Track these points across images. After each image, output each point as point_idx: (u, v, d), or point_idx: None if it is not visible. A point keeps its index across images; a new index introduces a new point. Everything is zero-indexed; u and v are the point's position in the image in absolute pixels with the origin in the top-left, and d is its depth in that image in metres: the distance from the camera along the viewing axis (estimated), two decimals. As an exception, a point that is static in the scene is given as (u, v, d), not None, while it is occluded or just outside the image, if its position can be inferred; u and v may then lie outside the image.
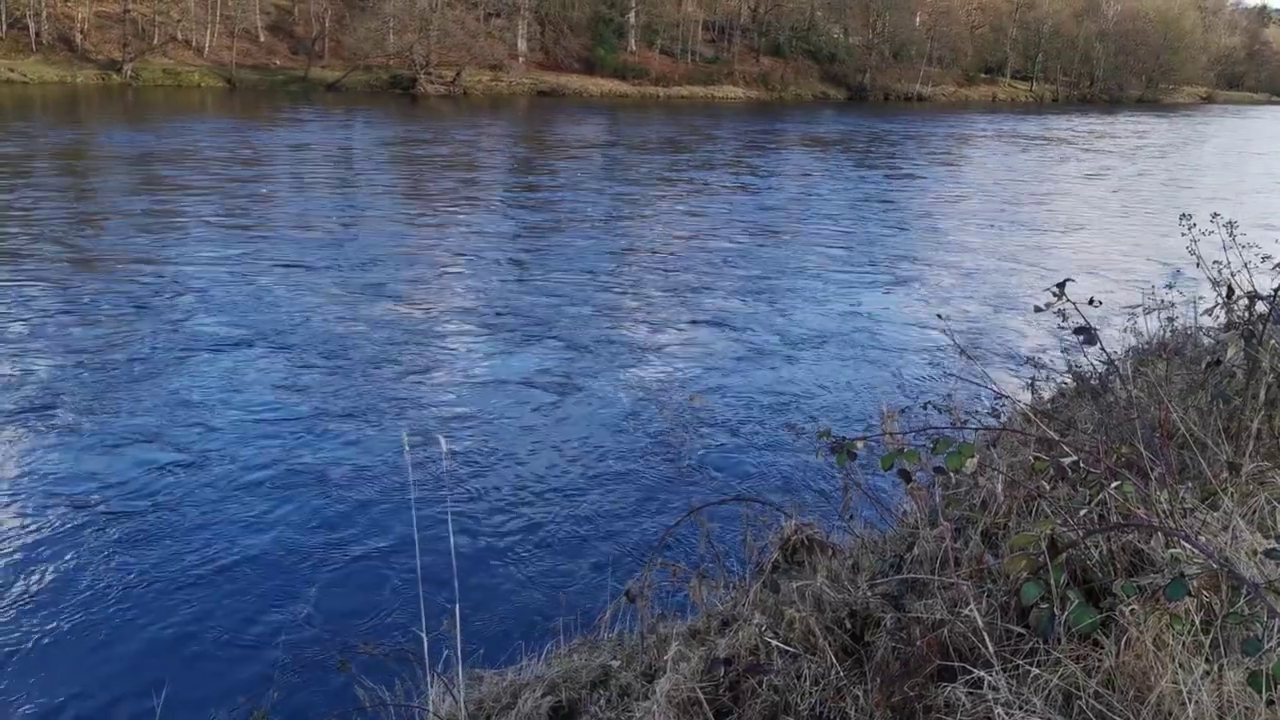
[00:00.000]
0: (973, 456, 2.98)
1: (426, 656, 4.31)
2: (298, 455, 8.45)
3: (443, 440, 3.22)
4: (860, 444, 3.04)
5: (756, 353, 11.85)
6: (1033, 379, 6.59)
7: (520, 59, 69.82)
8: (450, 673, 4.35)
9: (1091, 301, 3.39)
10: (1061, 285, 3.33)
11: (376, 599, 6.38)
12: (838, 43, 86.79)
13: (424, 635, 4.13)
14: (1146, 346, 6.26)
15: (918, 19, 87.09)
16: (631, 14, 77.40)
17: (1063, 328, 3.67)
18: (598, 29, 74.34)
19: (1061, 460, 3.06)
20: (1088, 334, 3.28)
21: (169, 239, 17.67)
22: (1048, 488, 3.16)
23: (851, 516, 5.40)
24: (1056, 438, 3.18)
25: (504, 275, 15.69)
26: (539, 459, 8.30)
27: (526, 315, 13.18)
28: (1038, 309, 3.43)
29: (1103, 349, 4.23)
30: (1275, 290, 3.74)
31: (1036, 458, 3.16)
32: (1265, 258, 5.43)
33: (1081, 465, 3.06)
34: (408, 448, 7.55)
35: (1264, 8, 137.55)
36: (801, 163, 35.69)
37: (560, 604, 5.89)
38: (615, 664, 4.68)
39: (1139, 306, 5.62)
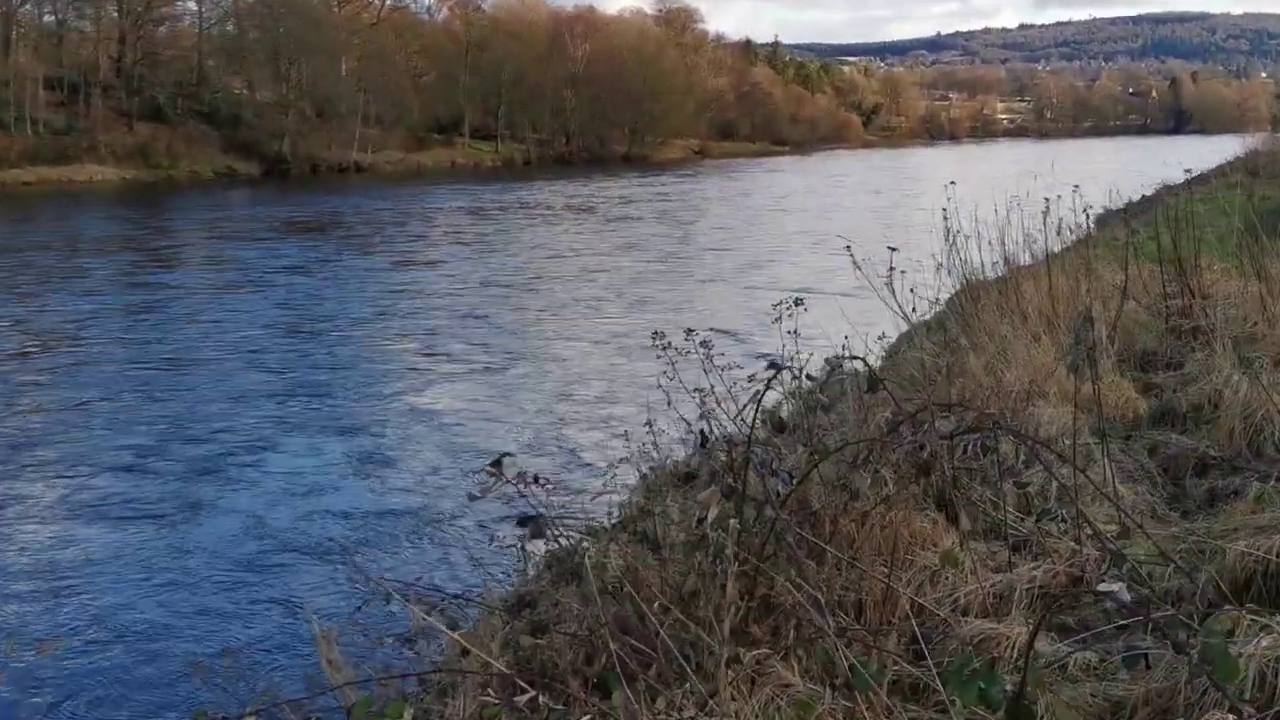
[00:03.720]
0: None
1: None
2: None
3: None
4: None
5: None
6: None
7: None
8: None
9: (537, 480, 3.59)
10: (497, 462, 3.49)
11: None
12: (241, 101, 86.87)
13: None
14: (623, 515, 6.74)
15: (344, 66, 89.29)
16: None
17: (509, 514, 3.85)
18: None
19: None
20: (535, 524, 3.48)
21: None
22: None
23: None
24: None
25: None
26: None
27: None
28: (472, 496, 3.59)
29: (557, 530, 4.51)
30: (749, 434, 4.17)
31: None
32: (752, 377, 6.11)
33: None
34: None
35: (749, 42, 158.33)
36: (291, 254, 37.06)
37: None
38: None
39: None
